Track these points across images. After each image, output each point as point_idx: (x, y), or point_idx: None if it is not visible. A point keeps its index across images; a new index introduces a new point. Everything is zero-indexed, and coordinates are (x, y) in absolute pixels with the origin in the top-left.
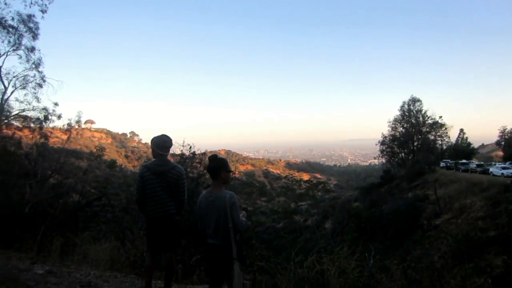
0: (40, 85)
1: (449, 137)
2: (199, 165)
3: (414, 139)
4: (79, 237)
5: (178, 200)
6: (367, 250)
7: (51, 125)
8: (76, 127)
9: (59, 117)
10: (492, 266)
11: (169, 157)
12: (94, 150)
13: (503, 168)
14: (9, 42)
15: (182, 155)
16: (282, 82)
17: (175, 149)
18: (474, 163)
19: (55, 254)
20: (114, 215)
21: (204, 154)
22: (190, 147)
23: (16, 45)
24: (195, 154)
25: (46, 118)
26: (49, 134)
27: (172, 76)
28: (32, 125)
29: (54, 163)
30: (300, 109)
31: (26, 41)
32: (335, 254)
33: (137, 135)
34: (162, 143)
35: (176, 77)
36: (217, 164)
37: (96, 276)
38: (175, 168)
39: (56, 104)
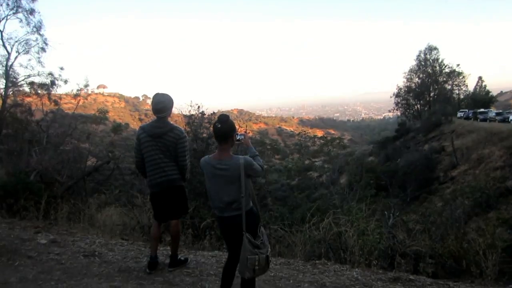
0: (43, 49)
1: (467, 86)
2: (208, 125)
3: (430, 89)
4: (86, 204)
5: (179, 165)
6: (386, 208)
7: (58, 90)
8: (89, 92)
9: (66, 81)
10: None
11: (177, 118)
12: (97, 113)
13: None
14: (8, 5)
15: (190, 115)
16: (293, 37)
17: (183, 109)
18: (493, 112)
19: (61, 222)
20: (124, 180)
21: (214, 113)
22: (198, 107)
23: (15, 8)
24: (204, 115)
25: (52, 83)
26: (58, 100)
27: (185, 36)
28: (39, 91)
29: (65, 129)
30: (312, 64)
31: (24, 3)
32: (353, 215)
33: (150, 97)
34: (155, 104)
35: (189, 36)
36: (230, 127)
37: (101, 245)
38: (173, 130)
39: (62, 68)
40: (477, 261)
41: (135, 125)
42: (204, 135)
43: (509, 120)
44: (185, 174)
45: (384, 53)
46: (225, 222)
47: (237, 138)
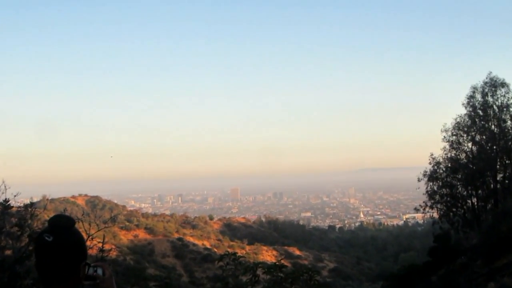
0: None
1: None
2: (18, 232)
3: (497, 166)
4: None
5: None
6: None
7: None
8: None
9: None
10: None
11: None
12: None
13: None
14: None
15: None
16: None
17: None
18: None
19: None
20: None
21: (32, 205)
22: None
23: None
24: (10, 207)
25: None
26: None
27: None
28: None
29: None
30: (258, 115)
31: None
32: None
33: None
34: None
35: None
36: (74, 245)
37: None
38: None
39: None
40: None
41: None
42: (7, 252)
43: None
44: None
45: (397, 95)
46: None
47: (89, 273)
